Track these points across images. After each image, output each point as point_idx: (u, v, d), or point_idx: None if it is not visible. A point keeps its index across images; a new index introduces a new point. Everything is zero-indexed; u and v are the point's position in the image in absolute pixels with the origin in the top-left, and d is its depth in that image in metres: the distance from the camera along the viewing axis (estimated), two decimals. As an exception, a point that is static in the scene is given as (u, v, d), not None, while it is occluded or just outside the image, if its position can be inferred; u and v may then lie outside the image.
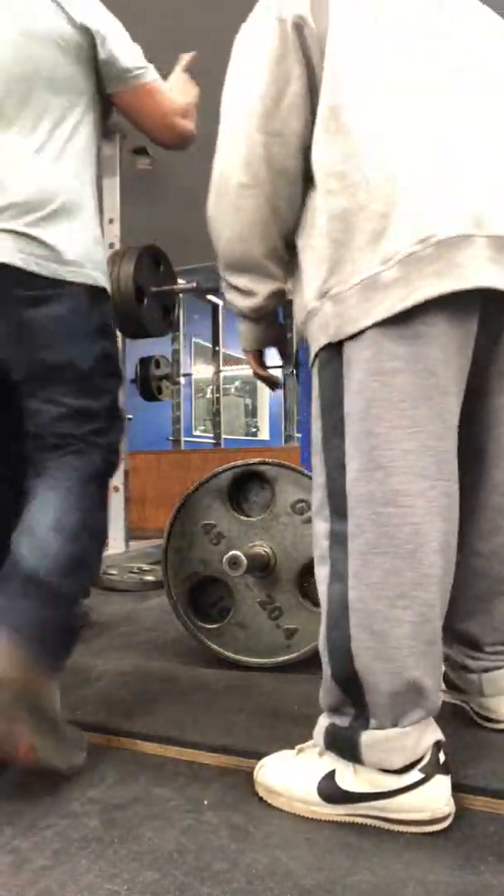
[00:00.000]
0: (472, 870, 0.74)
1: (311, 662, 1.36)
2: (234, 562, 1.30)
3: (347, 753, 0.85)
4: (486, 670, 1.05)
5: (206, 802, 0.89)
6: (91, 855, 0.78)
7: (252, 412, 9.40)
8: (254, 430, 9.33)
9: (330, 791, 0.85)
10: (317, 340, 0.90)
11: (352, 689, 0.85)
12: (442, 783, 0.82)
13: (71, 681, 1.34)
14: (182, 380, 6.14)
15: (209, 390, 7.40)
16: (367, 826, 0.83)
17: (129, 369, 4.37)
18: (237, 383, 9.12)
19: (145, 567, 2.66)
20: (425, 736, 0.83)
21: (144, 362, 4.58)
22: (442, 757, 0.83)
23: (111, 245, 2.76)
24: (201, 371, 7.71)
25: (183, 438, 6.05)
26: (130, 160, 4.05)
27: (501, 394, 0.95)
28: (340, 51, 0.90)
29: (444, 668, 1.15)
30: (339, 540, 0.86)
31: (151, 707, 1.20)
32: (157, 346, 4.30)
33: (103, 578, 2.43)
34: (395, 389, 0.82)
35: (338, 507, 0.87)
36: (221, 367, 6.74)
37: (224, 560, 1.32)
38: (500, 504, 0.98)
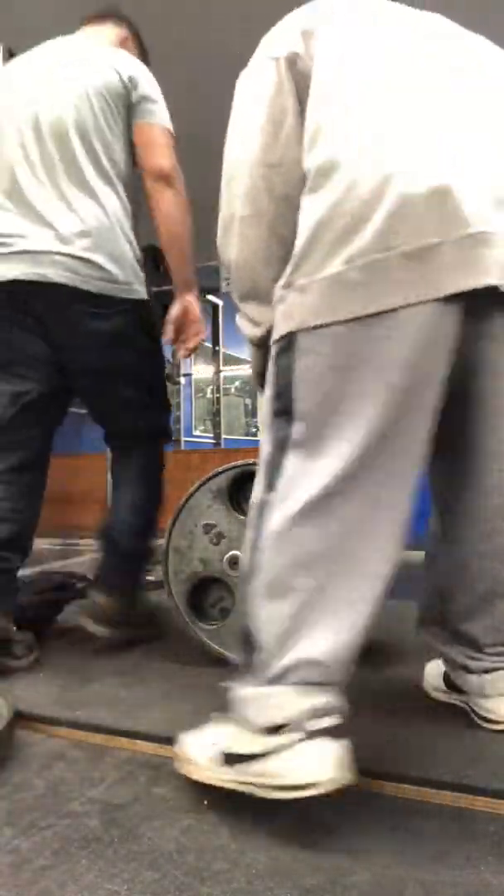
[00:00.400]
0: (472, 870, 0.74)
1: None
2: (234, 562, 1.31)
3: (235, 711, 0.86)
4: (487, 671, 1.05)
5: (206, 802, 0.89)
6: (91, 855, 0.77)
7: (252, 412, 9.39)
8: (254, 430, 9.32)
9: (224, 753, 0.86)
10: (277, 328, 0.92)
11: (249, 647, 0.87)
12: (319, 747, 0.78)
13: (71, 681, 1.35)
14: (182, 380, 6.15)
15: (209, 390, 7.40)
16: (368, 826, 0.83)
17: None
18: (237, 383, 9.12)
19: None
20: (308, 697, 0.81)
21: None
22: (329, 722, 0.80)
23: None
24: (201, 371, 7.70)
25: (183, 438, 6.05)
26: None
27: (496, 394, 0.95)
28: (331, 58, 0.92)
29: (444, 668, 1.15)
30: (263, 509, 0.89)
31: (151, 707, 1.20)
32: (157, 346, 4.30)
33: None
34: (353, 383, 0.84)
35: (271, 480, 0.89)
36: (221, 367, 6.74)
37: (224, 560, 1.32)
38: (499, 505, 0.98)
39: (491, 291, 0.83)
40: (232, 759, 0.84)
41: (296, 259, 0.89)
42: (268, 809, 0.82)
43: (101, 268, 1.39)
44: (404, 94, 0.89)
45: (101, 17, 1.67)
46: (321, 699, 0.81)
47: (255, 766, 0.81)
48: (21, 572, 1.52)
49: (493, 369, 0.94)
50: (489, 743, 1.01)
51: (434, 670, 1.21)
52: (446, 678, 1.15)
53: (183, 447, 6.02)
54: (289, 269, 0.90)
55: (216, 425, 6.71)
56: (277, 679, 0.83)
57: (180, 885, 0.72)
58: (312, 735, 0.79)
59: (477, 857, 0.76)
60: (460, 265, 0.81)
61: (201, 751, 0.90)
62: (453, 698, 1.14)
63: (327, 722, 0.80)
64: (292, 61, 0.94)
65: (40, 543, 1.59)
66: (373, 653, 1.53)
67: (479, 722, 1.07)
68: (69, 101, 1.43)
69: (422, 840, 0.80)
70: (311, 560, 0.84)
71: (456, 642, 1.08)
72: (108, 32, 1.64)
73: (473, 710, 1.08)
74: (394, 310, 0.81)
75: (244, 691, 0.86)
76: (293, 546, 0.86)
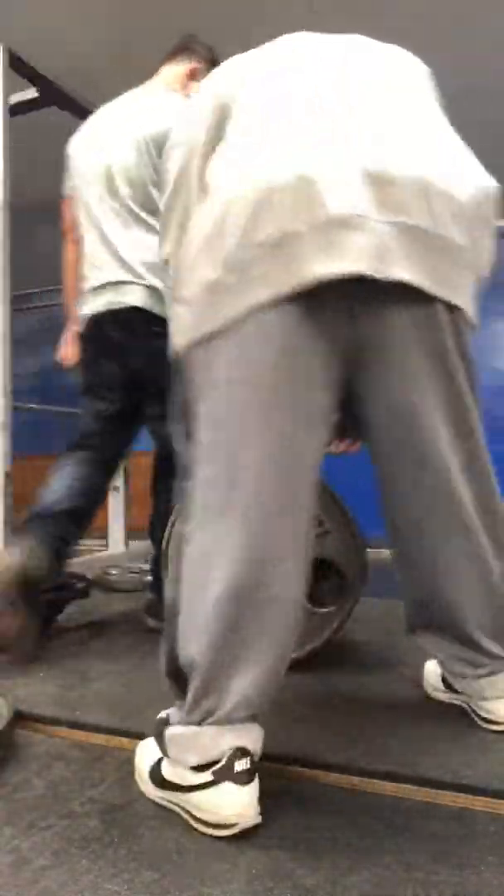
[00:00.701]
0: (472, 870, 0.74)
1: (310, 662, 1.36)
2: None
3: (161, 745, 0.89)
4: (486, 673, 1.04)
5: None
6: (91, 855, 0.78)
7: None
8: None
9: (156, 775, 0.89)
10: (174, 345, 0.91)
11: (182, 684, 0.88)
12: (229, 791, 0.80)
13: (71, 681, 1.35)
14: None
15: (209, 390, 7.39)
16: (368, 826, 0.83)
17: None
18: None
19: (145, 567, 2.65)
20: (223, 739, 0.83)
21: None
22: (242, 766, 0.81)
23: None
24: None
25: (183, 438, 6.04)
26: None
27: (388, 405, 0.90)
28: (237, 108, 0.92)
29: (441, 670, 1.15)
30: (181, 541, 0.89)
31: (151, 707, 1.19)
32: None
33: (103, 578, 2.43)
34: (227, 395, 0.82)
35: (187, 509, 0.89)
36: (221, 368, 6.73)
37: (224, 560, 1.32)
38: (446, 520, 0.95)
39: (375, 283, 0.77)
40: (163, 783, 0.88)
41: (180, 273, 0.88)
42: (268, 810, 0.82)
43: (160, 293, 1.60)
44: (286, 109, 0.88)
45: (173, 54, 1.78)
46: (244, 739, 0.84)
47: (181, 796, 0.84)
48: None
49: (380, 380, 0.89)
50: (489, 743, 1.01)
51: (434, 670, 1.21)
52: (446, 679, 1.15)
53: (183, 447, 6.01)
54: (175, 282, 0.90)
55: (216, 425, 6.70)
56: (206, 719, 0.84)
57: (180, 885, 0.72)
58: (232, 777, 0.81)
59: (477, 857, 0.76)
60: (322, 251, 0.76)
61: (149, 757, 0.92)
62: (453, 698, 1.14)
63: (246, 764, 0.82)
64: (210, 125, 0.94)
65: (40, 543, 1.59)
66: (373, 653, 1.53)
67: (480, 722, 1.07)
68: (132, 149, 1.61)
69: (422, 840, 0.80)
70: (221, 593, 0.83)
71: (456, 643, 1.07)
72: (177, 70, 1.75)
73: (474, 711, 1.08)
74: (264, 307, 0.78)
75: (174, 730, 0.86)
76: (201, 580, 0.85)
